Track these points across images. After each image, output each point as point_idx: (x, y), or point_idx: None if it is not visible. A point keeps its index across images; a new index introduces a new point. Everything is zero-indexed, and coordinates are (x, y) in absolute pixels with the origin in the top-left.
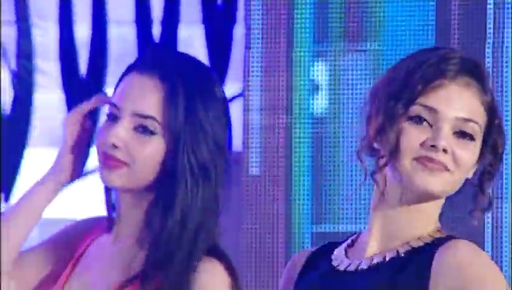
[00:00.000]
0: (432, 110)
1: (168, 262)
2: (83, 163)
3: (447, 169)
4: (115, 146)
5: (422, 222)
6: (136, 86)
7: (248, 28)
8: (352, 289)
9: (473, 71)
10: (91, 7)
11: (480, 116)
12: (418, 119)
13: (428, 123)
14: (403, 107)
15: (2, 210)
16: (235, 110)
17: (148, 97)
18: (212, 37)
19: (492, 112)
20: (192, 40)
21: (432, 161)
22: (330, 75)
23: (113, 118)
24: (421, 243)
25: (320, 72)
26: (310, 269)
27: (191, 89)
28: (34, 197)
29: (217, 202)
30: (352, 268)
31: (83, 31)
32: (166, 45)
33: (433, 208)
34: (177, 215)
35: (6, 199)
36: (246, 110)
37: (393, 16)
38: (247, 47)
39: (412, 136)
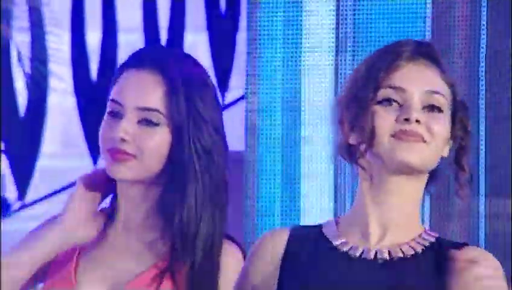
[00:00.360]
0: (399, 89)
1: (194, 246)
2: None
3: (423, 140)
4: (123, 140)
5: (410, 206)
6: (136, 82)
7: (250, 34)
8: (380, 277)
9: (428, 53)
10: (101, 16)
11: (444, 90)
12: (388, 102)
13: (398, 103)
14: (372, 92)
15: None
16: (237, 112)
17: (150, 91)
18: (216, 43)
19: (454, 88)
20: (197, 46)
21: (407, 133)
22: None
23: (115, 114)
24: (428, 243)
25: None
26: (302, 251)
27: (188, 80)
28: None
29: (225, 182)
30: (368, 256)
31: (94, 38)
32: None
33: (417, 190)
34: (191, 200)
35: (20, 198)
36: (247, 111)
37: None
38: (249, 52)
39: (385, 116)
